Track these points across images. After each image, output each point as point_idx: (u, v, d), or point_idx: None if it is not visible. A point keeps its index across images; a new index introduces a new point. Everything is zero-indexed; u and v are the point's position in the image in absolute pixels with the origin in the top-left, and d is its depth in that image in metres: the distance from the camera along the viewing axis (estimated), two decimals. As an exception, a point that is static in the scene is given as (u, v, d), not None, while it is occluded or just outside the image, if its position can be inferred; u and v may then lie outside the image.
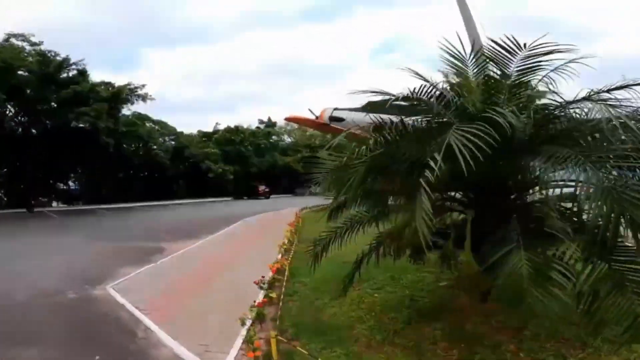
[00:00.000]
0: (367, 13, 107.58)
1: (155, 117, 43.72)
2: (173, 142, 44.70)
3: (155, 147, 40.06)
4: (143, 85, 34.57)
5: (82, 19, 78.45)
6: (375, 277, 6.65)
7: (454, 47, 4.64)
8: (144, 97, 33.94)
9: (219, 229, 15.60)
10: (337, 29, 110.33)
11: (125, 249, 12.32)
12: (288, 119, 17.31)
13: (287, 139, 58.29)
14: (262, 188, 41.83)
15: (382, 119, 4.82)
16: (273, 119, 57.45)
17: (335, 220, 5.65)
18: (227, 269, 9.32)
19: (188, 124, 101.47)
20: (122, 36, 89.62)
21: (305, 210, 20.43)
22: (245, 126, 51.91)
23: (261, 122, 56.75)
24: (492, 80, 4.54)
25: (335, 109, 18.52)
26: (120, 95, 30.36)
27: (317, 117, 19.24)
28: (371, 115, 4.86)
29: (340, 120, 17.87)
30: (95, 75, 32.97)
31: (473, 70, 4.80)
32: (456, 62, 4.82)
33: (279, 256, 8.94)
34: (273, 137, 55.60)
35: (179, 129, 47.38)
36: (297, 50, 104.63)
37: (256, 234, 14.81)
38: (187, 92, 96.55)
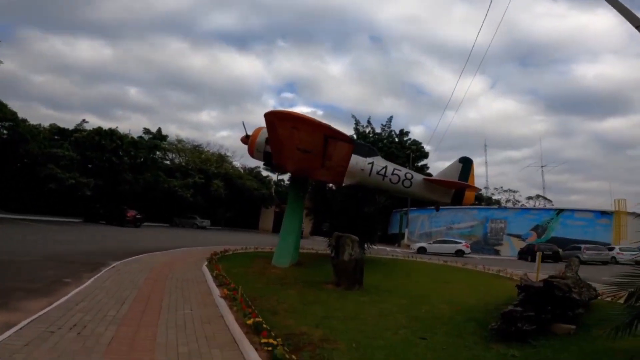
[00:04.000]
0: (286, 50, 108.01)
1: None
2: (5, 132, 30.76)
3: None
4: None
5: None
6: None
7: None
8: None
9: (65, 284, 7.17)
10: (250, 58, 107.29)
11: None
12: (276, 114, 8.79)
13: (176, 159, 47.97)
14: (132, 213, 31.00)
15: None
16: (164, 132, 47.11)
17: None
18: None
19: (44, 118, 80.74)
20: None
21: (217, 255, 12.96)
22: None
23: (147, 131, 45.66)
24: None
25: None
26: None
27: (248, 136, 14.07)
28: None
29: None
30: None
31: None
32: None
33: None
34: (157, 152, 44.91)
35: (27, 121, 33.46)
36: (200, 67, 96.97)
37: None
38: (55, 83, 77.97)
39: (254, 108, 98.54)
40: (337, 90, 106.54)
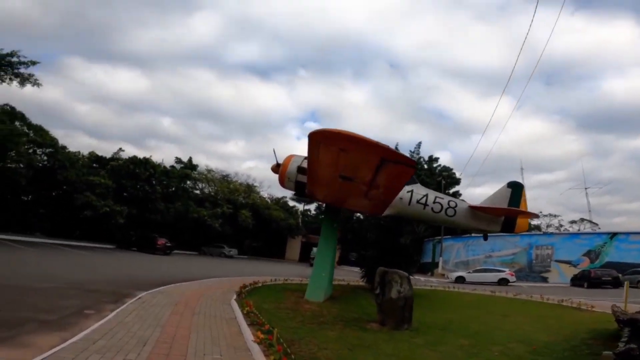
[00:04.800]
0: (307, 79, 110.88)
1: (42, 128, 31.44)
2: (46, 158, 32.05)
3: (13, 154, 27.28)
4: (33, 63, 24.20)
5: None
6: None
7: None
8: (24, 78, 23.34)
9: (85, 316, 6.46)
10: (273, 88, 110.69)
11: None
12: (324, 134, 7.62)
13: (205, 189, 48.44)
14: (162, 241, 31.05)
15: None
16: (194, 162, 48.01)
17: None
18: None
19: (85, 146, 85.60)
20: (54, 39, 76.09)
21: (246, 287, 12.01)
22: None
23: (179, 161, 46.64)
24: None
25: (306, 158, 13.04)
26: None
27: (278, 165, 13.50)
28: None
29: None
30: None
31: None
32: None
33: None
34: (188, 182, 45.55)
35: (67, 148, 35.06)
36: (226, 98, 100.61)
37: None
38: (96, 112, 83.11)
39: (278, 138, 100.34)
40: (359, 117, 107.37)
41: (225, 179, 50.43)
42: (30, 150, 30.15)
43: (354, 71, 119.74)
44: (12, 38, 68.02)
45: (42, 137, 30.38)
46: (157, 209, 36.52)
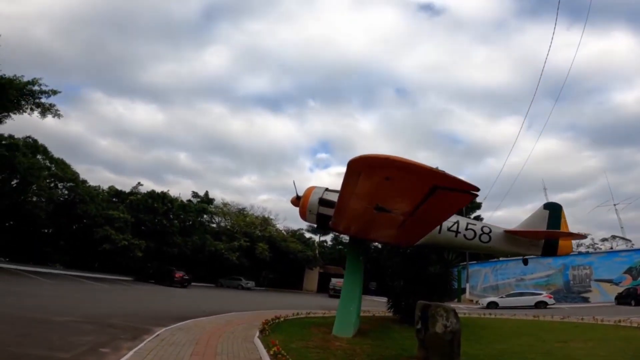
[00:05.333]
0: (317, 110, 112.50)
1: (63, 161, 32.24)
2: (66, 192, 32.46)
3: (35, 188, 27.64)
4: (54, 92, 24.09)
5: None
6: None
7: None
8: (45, 108, 23.55)
9: (100, 355, 5.81)
10: (284, 120, 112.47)
11: None
12: (367, 161, 6.33)
13: (222, 222, 48.16)
14: (180, 274, 30.61)
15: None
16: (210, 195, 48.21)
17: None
18: None
19: (105, 181, 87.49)
20: (75, 70, 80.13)
21: (269, 323, 11.18)
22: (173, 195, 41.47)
23: (195, 195, 46.83)
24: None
25: (327, 189, 12.82)
26: (7, 88, 19.72)
27: (299, 197, 12.97)
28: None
29: (332, 205, 11.52)
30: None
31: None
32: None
33: None
34: (205, 216, 45.47)
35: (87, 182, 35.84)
36: (239, 132, 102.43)
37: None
38: (116, 146, 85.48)
39: (291, 170, 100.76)
40: (370, 146, 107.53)
41: (241, 213, 50.16)
42: (52, 185, 30.59)
43: (362, 99, 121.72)
44: (35, 70, 71.55)
45: (63, 171, 30.86)
46: (174, 242, 36.28)
